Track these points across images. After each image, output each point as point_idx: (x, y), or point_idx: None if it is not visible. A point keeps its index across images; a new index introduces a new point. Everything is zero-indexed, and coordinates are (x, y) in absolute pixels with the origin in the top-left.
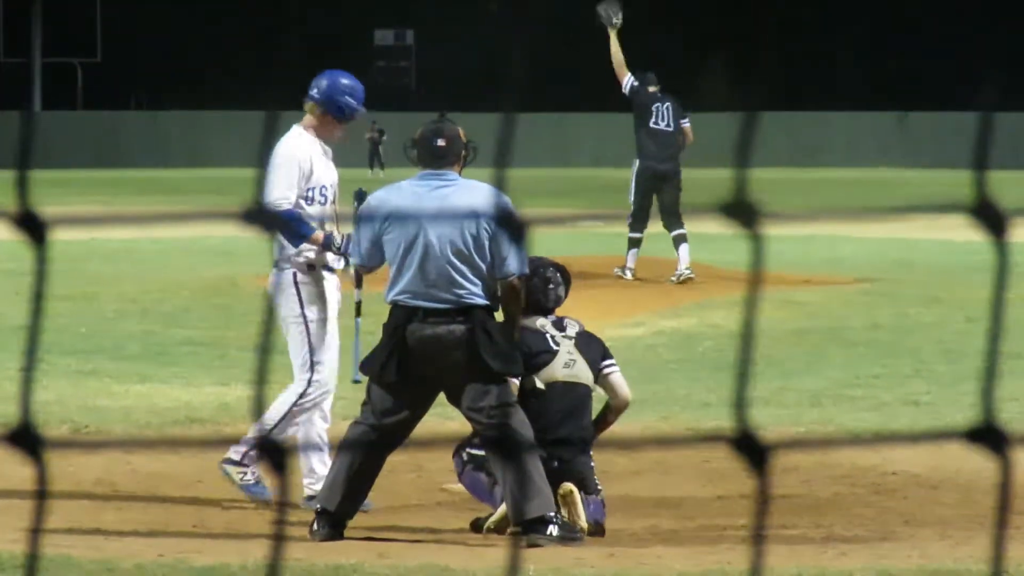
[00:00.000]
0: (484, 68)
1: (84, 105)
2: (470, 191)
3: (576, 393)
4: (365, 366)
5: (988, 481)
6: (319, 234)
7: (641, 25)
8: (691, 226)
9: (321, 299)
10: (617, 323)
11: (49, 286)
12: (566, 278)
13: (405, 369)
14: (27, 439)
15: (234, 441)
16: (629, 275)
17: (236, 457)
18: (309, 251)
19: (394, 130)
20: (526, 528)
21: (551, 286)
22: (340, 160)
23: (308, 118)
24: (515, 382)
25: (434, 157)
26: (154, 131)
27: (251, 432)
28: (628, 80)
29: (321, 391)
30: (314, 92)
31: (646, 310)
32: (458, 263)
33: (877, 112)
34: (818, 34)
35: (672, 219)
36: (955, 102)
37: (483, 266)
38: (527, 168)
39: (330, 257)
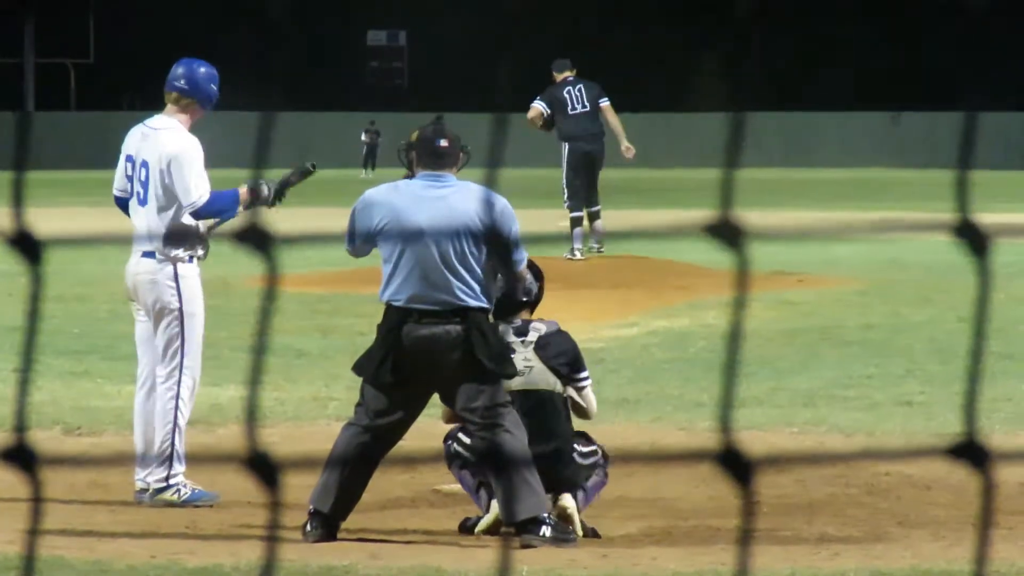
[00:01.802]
0: (477, 69)
1: (77, 106)
2: (468, 193)
3: (536, 400)
4: (359, 367)
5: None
6: (244, 188)
7: (636, 26)
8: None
9: (198, 294)
10: (611, 323)
11: (42, 286)
12: (536, 271)
13: (400, 370)
14: (22, 455)
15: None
16: (579, 255)
17: (160, 484)
18: (195, 244)
19: (386, 131)
20: (519, 529)
21: (534, 280)
22: (331, 160)
23: (173, 108)
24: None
25: (435, 157)
26: None
27: (154, 453)
28: (538, 105)
29: (190, 392)
30: (182, 83)
31: (639, 310)
32: (455, 265)
33: (870, 112)
34: (811, 34)
35: (593, 195)
36: (949, 102)
37: (479, 269)
38: (523, 169)
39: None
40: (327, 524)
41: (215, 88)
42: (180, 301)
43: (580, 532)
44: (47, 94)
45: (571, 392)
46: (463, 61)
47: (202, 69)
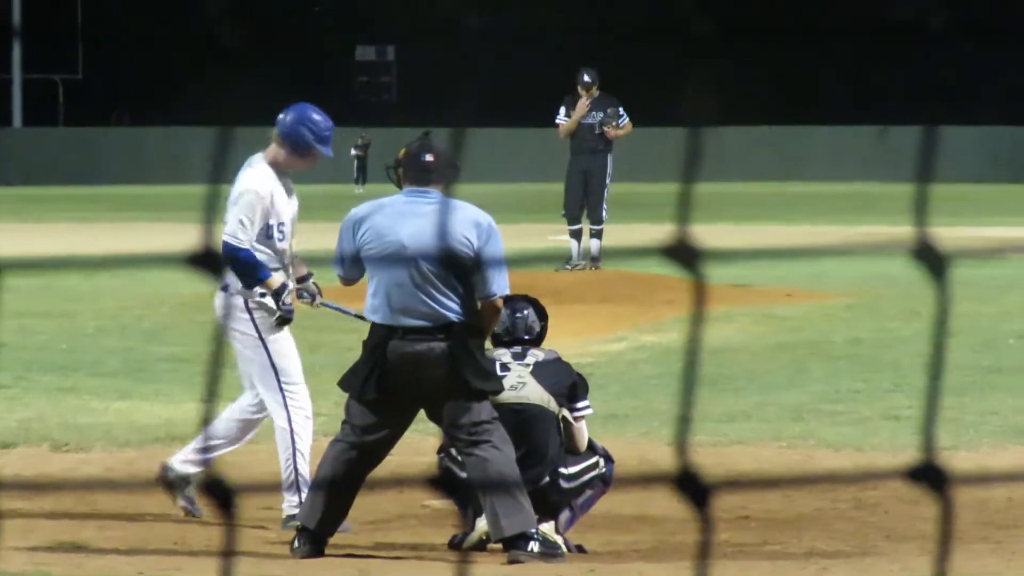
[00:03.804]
0: (466, 83)
1: (65, 122)
2: (452, 210)
3: (527, 414)
4: (345, 383)
5: (969, 495)
6: (275, 280)
7: (629, 41)
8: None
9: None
10: (599, 338)
11: (28, 302)
12: (539, 311)
13: (386, 386)
14: None
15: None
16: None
17: (293, 510)
18: (261, 292)
19: (375, 146)
20: (507, 545)
21: (517, 316)
22: (322, 176)
23: (272, 148)
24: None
25: (421, 173)
26: (135, 148)
27: (287, 489)
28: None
29: (304, 415)
30: (280, 126)
31: (627, 325)
32: (438, 281)
33: (859, 126)
34: (800, 49)
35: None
36: (937, 117)
37: (462, 285)
38: (511, 183)
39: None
40: (315, 540)
41: (307, 136)
42: (256, 329)
43: (565, 550)
44: (35, 110)
45: (566, 415)
46: (452, 76)
47: (313, 115)
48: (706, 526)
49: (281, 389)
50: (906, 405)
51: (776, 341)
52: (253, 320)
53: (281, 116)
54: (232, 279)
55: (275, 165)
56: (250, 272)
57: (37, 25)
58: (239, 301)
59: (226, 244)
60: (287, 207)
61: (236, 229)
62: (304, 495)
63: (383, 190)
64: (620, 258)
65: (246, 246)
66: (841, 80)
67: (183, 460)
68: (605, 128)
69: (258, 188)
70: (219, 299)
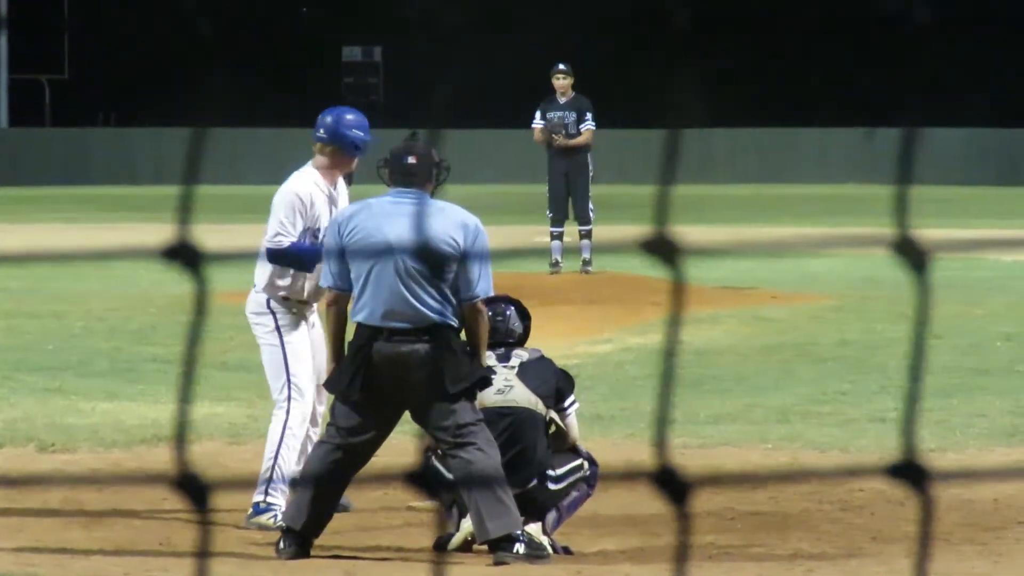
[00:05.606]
0: (453, 84)
1: (52, 122)
2: (438, 211)
3: (516, 418)
4: (330, 384)
5: (956, 498)
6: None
7: (613, 43)
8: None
9: (297, 322)
10: (585, 340)
11: (15, 303)
12: (521, 311)
13: (370, 388)
14: None
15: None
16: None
17: (259, 498)
18: (283, 286)
19: None
20: (492, 547)
21: (499, 319)
22: None
23: (319, 158)
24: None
25: (404, 175)
26: (122, 148)
27: (262, 471)
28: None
29: (301, 418)
30: (320, 132)
31: (614, 326)
32: (423, 282)
33: (845, 128)
34: (786, 51)
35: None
36: (923, 118)
37: (447, 286)
38: (504, 185)
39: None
40: (300, 542)
41: (355, 132)
42: (278, 331)
43: (551, 551)
44: (21, 110)
45: (554, 416)
46: (439, 77)
47: (349, 116)
48: (685, 523)
49: (289, 390)
50: (892, 407)
51: (763, 343)
52: (275, 318)
53: (319, 125)
54: (260, 277)
55: (321, 170)
56: (304, 259)
57: (22, 24)
58: (263, 299)
59: (269, 251)
60: (327, 213)
61: (276, 231)
62: (274, 495)
63: (371, 190)
64: (600, 255)
65: (287, 243)
66: (827, 81)
67: (255, 498)
68: (555, 137)
69: (297, 190)
70: (249, 297)
